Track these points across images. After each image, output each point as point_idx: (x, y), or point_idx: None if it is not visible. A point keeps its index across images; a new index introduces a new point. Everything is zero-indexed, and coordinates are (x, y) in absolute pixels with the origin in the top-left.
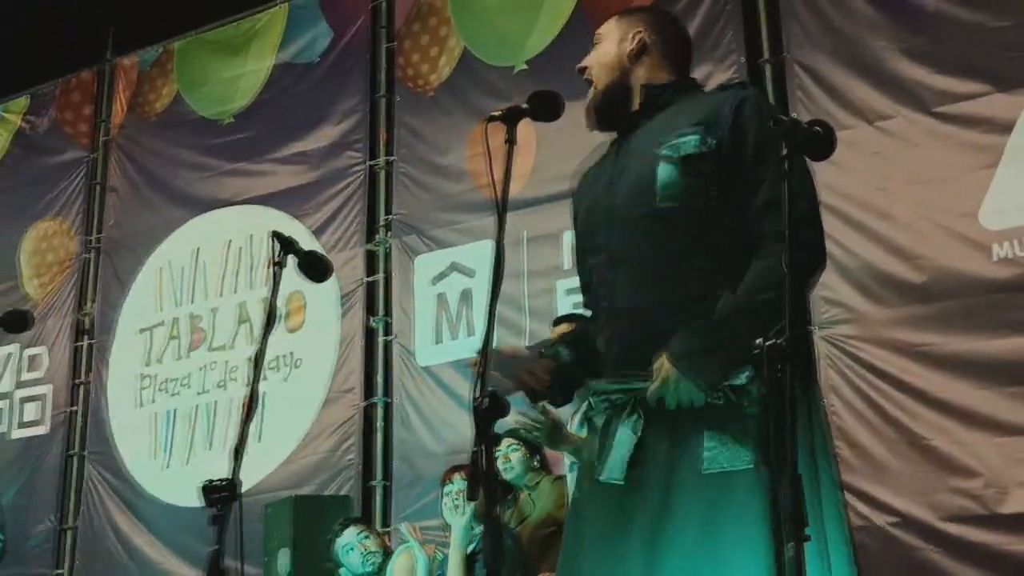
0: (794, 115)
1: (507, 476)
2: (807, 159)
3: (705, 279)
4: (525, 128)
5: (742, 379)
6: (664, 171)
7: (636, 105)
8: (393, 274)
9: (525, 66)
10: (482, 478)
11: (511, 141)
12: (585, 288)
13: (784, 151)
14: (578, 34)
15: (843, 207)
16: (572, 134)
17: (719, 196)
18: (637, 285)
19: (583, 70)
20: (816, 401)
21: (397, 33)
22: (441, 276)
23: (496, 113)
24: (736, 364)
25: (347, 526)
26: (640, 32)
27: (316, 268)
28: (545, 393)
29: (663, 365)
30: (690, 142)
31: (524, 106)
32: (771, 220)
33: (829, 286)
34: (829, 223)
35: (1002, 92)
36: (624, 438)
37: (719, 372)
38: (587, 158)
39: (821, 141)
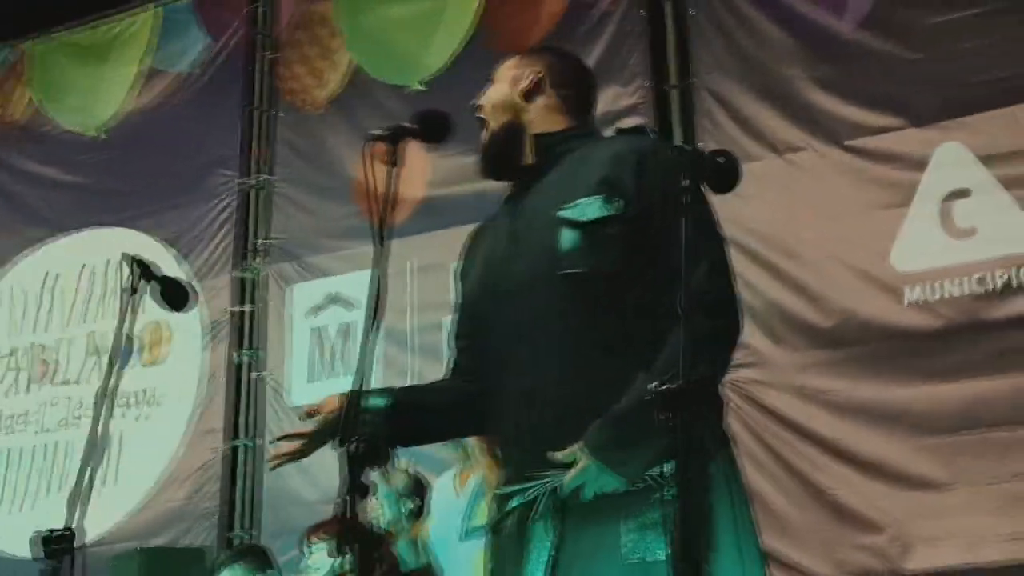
0: (700, 144)
1: (382, 524)
2: (710, 192)
3: (617, 355)
4: (417, 152)
5: (667, 469)
6: (567, 237)
7: (530, 156)
8: (268, 304)
9: (422, 86)
10: (351, 533)
11: (393, 162)
12: (464, 368)
13: (684, 182)
14: (478, 54)
15: (748, 242)
16: (469, 160)
17: (628, 261)
18: (541, 363)
19: (476, 108)
20: (735, 466)
21: (279, 42)
22: (319, 308)
23: (378, 132)
24: (660, 453)
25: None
26: (537, 72)
27: (175, 296)
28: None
29: (579, 458)
30: (593, 206)
31: (409, 126)
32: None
33: None
34: (733, 259)
35: (916, 127)
36: (538, 542)
37: (641, 466)
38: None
39: (725, 171)
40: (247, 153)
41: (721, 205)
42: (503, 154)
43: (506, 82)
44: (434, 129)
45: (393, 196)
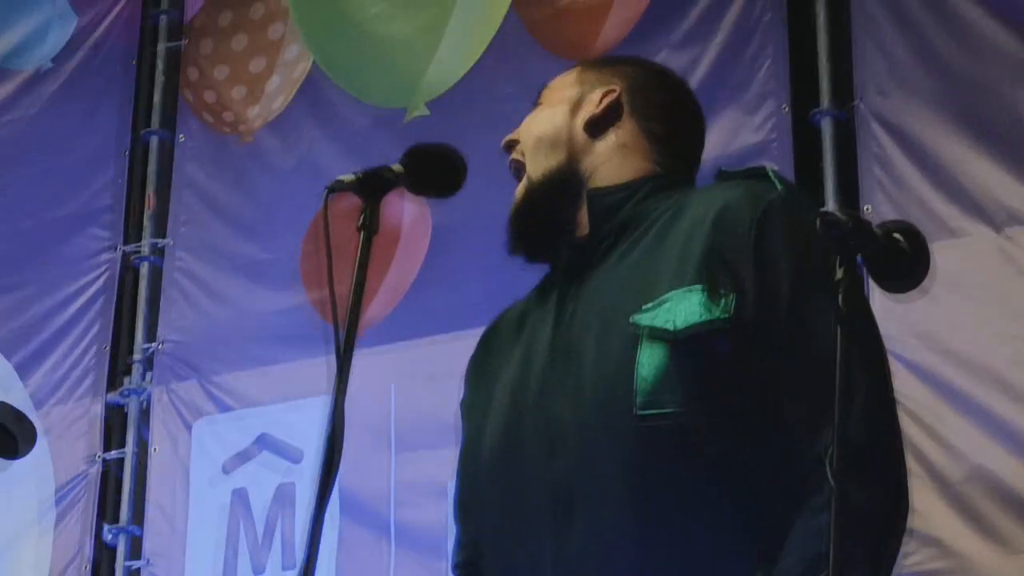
0: (866, 208)
1: None
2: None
3: (723, 550)
4: (413, 210)
5: None
6: (649, 357)
7: (584, 223)
8: (151, 452)
9: (425, 110)
10: None
11: (367, 228)
12: (471, 562)
13: (839, 274)
14: (510, 61)
15: (936, 369)
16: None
17: (743, 397)
18: (603, 555)
19: (510, 146)
20: None
21: (189, 26)
22: (240, 458)
23: (347, 177)
24: None
25: None
26: (611, 90)
27: (3, 437)
28: None
29: None
30: (689, 305)
31: (398, 168)
32: (826, 437)
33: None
34: (907, 394)
35: None
36: None
37: None
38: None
39: (905, 257)
40: (131, 204)
41: (890, 307)
42: (544, 219)
43: (560, 106)
44: (435, 173)
45: (364, 280)
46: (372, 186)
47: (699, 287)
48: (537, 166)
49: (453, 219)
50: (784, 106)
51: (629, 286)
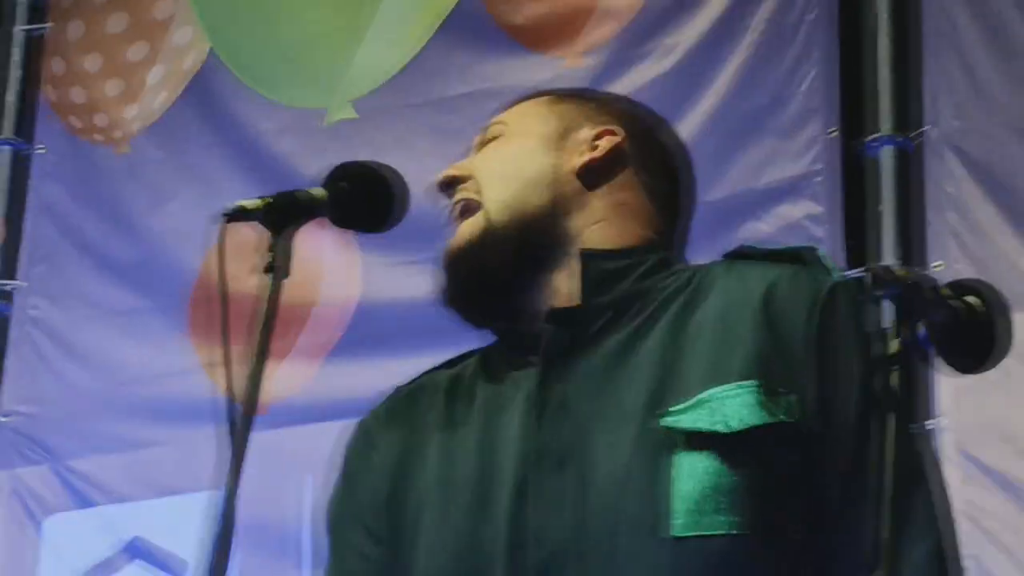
0: (937, 265)
1: None
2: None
3: None
4: (336, 244)
5: None
6: (692, 467)
7: (569, 287)
8: None
9: (351, 113)
10: None
11: (276, 269)
12: None
13: (893, 347)
14: (471, 47)
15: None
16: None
17: (805, 517)
18: None
19: (451, 183)
20: None
21: (55, 5)
22: (105, 568)
23: (248, 204)
24: None
25: None
26: (612, 133)
27: None
28: None
29: None
30: (746, 405)
31: (315, 193)
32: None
33: None
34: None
35: None
36: None
37: None
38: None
39: (978, 329)
40: None
41: (965, 397)
42: (509, 276)
43: (533, 141)
44: (372, 202)
45: (270, 337)
46: (284, 215)
47: (752, 384)
48: (504, 209)
49: (388, 259)
50: (832, 130)
51: (647, 380)
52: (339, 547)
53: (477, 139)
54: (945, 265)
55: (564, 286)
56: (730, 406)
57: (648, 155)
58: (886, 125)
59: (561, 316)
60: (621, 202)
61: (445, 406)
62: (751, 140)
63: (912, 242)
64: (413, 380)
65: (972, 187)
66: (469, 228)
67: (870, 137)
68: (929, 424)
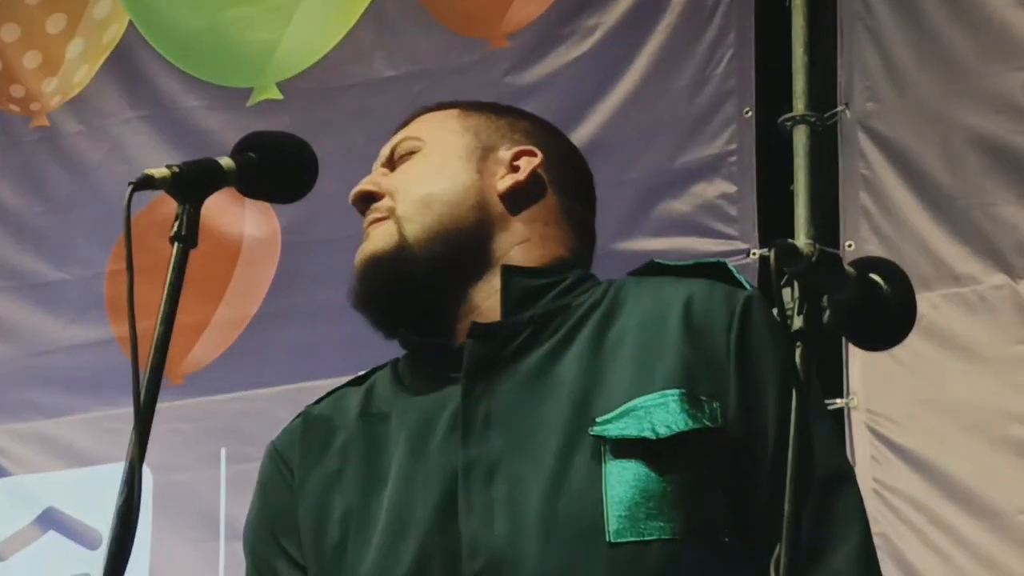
0: (848, 245)
1: None
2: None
3: None
4: (255, 220)
5: None
6: (621, 475)
7: (488, 303)
8: None
9: (276, 94)
10: None
11: (183, 238)
12: None
13: (797, 323)
14: (396, 32)
15: (934, 451)
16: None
17: (735, 520)
18: None
19: (368, 198)
20: None
21: None
22: (22, 539)
23: (156, 173)
24: None
25: None
26: (531, 154)
27: None
28: None
29: None
30: (672, 413)
31: (223, 162)
32: (825, 570)
33: None
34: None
35: None
36: None
37: None
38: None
39: (881, 307)
40: None
41: (874, 376)
42: (434, 286)
43: (453, 158)
44: (280, 171)
45: (176, 304)
46: (191, 184)
47: (676, 392)
48: (425, 228)
49: (310, 236)
50: (747, 109)
51: (570, 393)
52: (257, 570)
53: (386, 151)
54: (856, 245)
55: (484, 302)
56: (656, 414)
57: (565, 176)
58: (799, 105)
59: (483, 332)
60: (544, 222)
61: (360, 426)
62: (669, 120)
63: (825, 222)
64: (321, 399)
65: (885, 168)
66: (382, 237)
67: (785, 117)
68: (839, 402)
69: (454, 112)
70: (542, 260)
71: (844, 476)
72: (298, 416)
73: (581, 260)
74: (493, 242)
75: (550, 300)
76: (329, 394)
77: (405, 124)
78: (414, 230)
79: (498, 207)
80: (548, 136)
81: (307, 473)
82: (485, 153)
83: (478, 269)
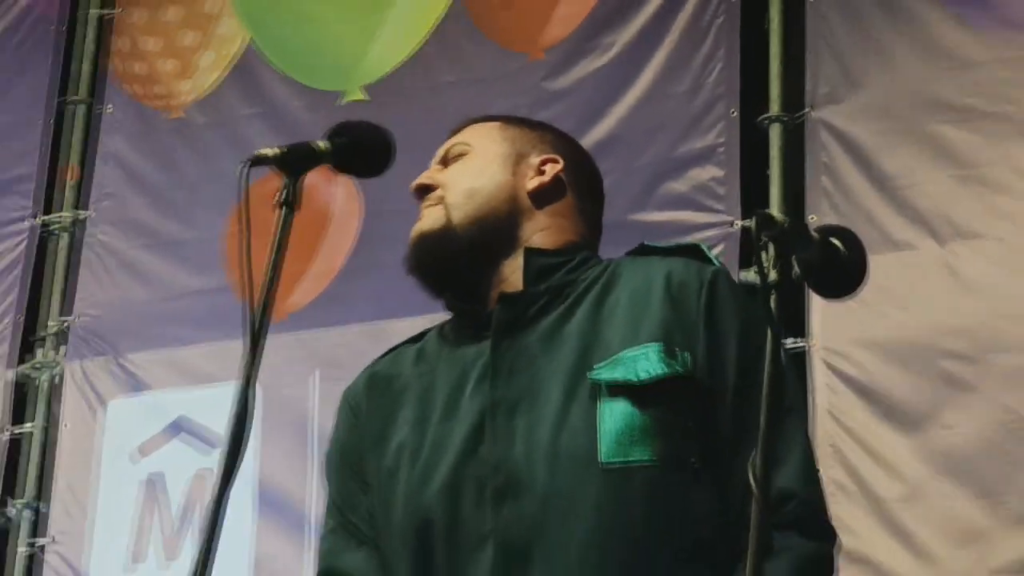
0: (811, 218)
1: None
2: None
3: None
4: (345, 191)
5: None
6: (611, 411)
7: (514, 277)
8: (61, 428)
9: (362, 95)
10: None
11: (287, 204)
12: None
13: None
14: (455, 47)
15: (874, 380)
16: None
17: (703, 450)
18: None
19: (424, 190)
20: None
21: None
22: (157, 442)
23: (267, 152)
24: None
25: None
26: (555, 161)
27: None
28: None
29: None
30: (652, 361)
31: (321, 145)
32: (775, 480)
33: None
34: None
35: None
36: None
37: None
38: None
39: (839, 264)
40: (52, 173)
41: (830, 320)
42: (472, 262)
43: (495, 161)
44: (365, 152)
45: (282, 258)
46: (294, 161)
47: (656, 345)
48: (468, 215)
49: (385, 207)
50: (733, 111)
51: (575, 347)
52: (336, 491)
53: (441, 152)
54: (818, 217)
55: (511, 276)
56: (640, 363)
57: (580, 182)
58: (774, 107)
59: (508, 299)
60: (560, 215)
61: (413, 377)
62: (671, 118)
63: (794, 200)
64: (385, 355)
65: (841, 157)
66: (433, 218)
67: (762, 116)
68: (801, 342)
69: (496, 124)
70: (557, 244)
71: (791, 409)
72: (364, 371)
73: (589, 245)
74: (520, 229)
75: (562, 275)
76: (390, 351)
77: (458, 131)
78: (458, 216)
79: (526, 202)
80: (569, 146)
81: (371, 416)
82: (519, 159)
83: (507, 249)
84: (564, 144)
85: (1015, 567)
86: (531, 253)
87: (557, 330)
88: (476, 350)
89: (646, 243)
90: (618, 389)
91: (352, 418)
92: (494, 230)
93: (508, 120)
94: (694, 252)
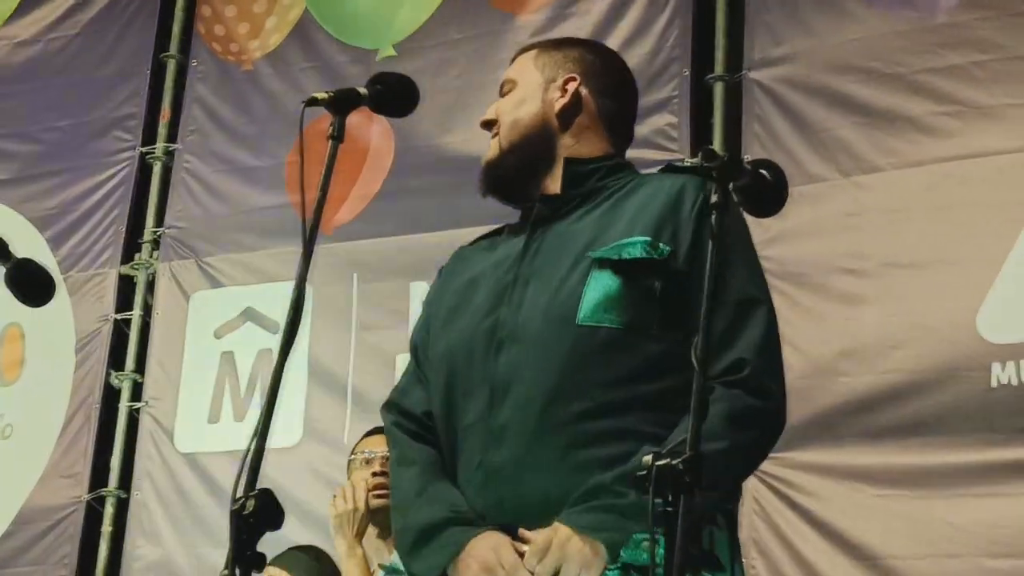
0: (746, 157)
1: None
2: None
3: (633, 434)
4: (380, 131)
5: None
6: (596, 282)
7: (556, 184)
8: (156, 314)
9: (393, 52)
10: None
11: (335, 137)
12: (428, 425)
13: (714, 198)
14: (462, 10)
15: (788, 278)
16: (445, 145)
17: (663, 322)
18: (536, 439)
19: (489, 125)
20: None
21: None
22: (230, 327)
23: (320, 94)
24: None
25: None
26: (574, 80)
27: (30, 283)
28: None
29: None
30: (636, 247)
31: (361, 90)
32: (732, 352)
33: None
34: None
35: None
36: None
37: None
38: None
39: (766, 189)
40: (152, 113)
41: (753, 236)
42: (520, 179)
43: (531, 93)
44: (394, 97)
45: (329, 180)
46: (341, 102)
47: (644, 238)
48: (512, 143)
49: (412, 143)
50: (685, 70)
51: (586, 235)
52: (418, 336)
53: (502, 89)
54: (750, 157)
55: (552, 184)
56: (627, 248)
57: (600, 84)
58: (719, 69)
59: (546, 200)
60: (586, 127)
61: (480, 256)
62: (635, 74)
63: (733, 142)
64: (471, 243)
65: (771, 110)
66: (492, 149)
67: (708, 76)
68: None
69: (532, 54)
70: (592, 153)
71: (756, 300)
72: (456, 251)
73: (619, 148)
74: (556, 146)
75: (593, 182)
76: (476, 240)
77: (512, 62)
78: (506, 144)
79: (555, 123)
80: (591, 54)
81: (449, 278)
82: (547, 84)
83: (547, 164)
84: (583, 56)
85: None
86: (568, 163)
87: (579, 224)
88: (519, 239)
89: (671, 163)
90: (605, 264)
91: (439, 280)
92: (532, 152)
93: (543, 48)
94: (701, 173)
